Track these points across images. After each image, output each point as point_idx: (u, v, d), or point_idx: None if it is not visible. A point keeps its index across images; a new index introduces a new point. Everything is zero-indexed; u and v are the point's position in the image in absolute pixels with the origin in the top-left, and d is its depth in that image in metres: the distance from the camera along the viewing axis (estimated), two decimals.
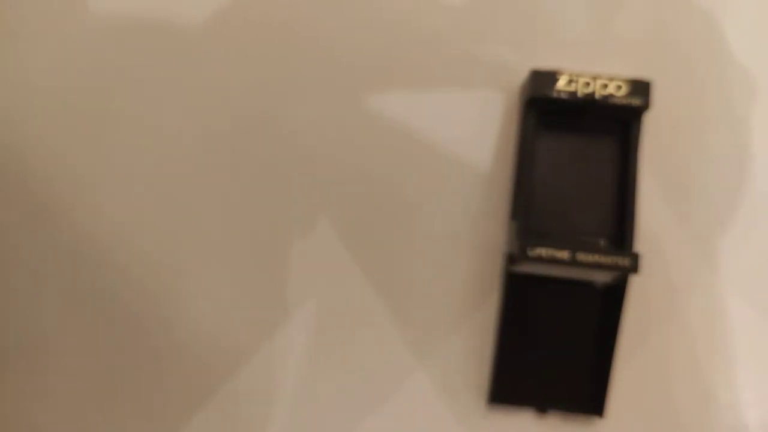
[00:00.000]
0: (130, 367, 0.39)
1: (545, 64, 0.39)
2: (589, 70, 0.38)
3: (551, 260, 0.34)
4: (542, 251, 0.34)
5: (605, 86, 0.35)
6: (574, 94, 0.35)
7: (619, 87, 0.35)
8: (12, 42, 0.41)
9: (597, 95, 0.35)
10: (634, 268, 0.34)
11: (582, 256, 0.34)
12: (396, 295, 0.39)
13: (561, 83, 0.36)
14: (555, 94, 0.36)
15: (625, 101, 0.35)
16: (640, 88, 0.36)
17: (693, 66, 0.40)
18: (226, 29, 0.41)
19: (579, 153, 0.37)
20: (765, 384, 0.38)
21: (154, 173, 0.40)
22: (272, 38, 0.41)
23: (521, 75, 0.39)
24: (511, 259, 0.37)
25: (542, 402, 0.38)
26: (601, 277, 0.37)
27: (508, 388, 0.38)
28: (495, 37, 0.40)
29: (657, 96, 0.37)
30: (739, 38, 0.40)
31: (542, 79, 0.36)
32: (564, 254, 0.34)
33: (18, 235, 0.40)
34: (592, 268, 0.35)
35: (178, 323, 0.39)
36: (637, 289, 0.38)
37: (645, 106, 0.36)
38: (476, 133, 0.40)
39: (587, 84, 0.35)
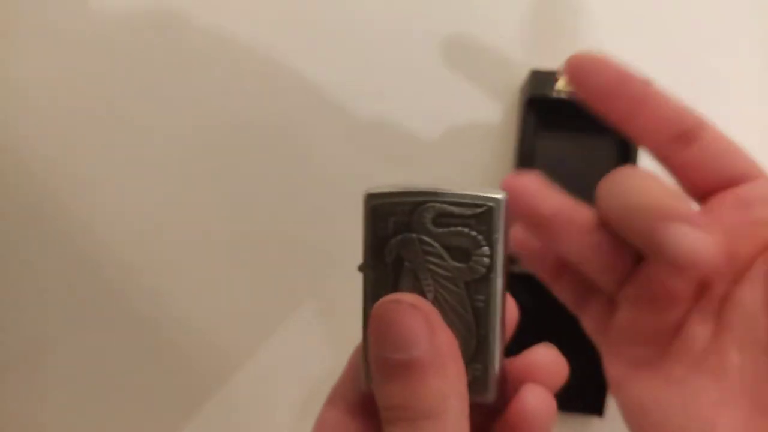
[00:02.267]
0: (130, 367, 0.39)
1: (545, 64, 0.39)
2: None
3: None
4: None
5: None
6: (573, 93, 0.35)
7: None
8: (11, 41, 0.41)
9: None
10: None
11: None
12: None
13: (561, 83, 0.36)
14: (555, 94, 0.36)
15: None
16: None
17: (692, 66, 0.40)
18: (227, 28, 0.41)
19: (578, 152, 0.37)
20: None
21: (154, 174, 0.40)
22: (272, 38, 0.41)
23: (521, 75, 0.39)
24: (511, 259, 0.37)
25: None
26: None
27: None
28: (495, 37, 0.40)
29: None
30: (738, 38, 0.40)
31: (542, 79, 0.36)
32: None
33: (18, 236, 0.40)
34: None
35: (178, 323, 0.39)
36: None
37: None
38: (476, 132, 0.40)
39: None
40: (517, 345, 0.39)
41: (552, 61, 0.40)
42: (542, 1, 0.41)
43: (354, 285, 0.39)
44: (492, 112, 0.40)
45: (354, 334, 0.39)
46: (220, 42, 0.41)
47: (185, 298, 0.39)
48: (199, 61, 0.41)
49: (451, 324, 0.20)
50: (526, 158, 0.37)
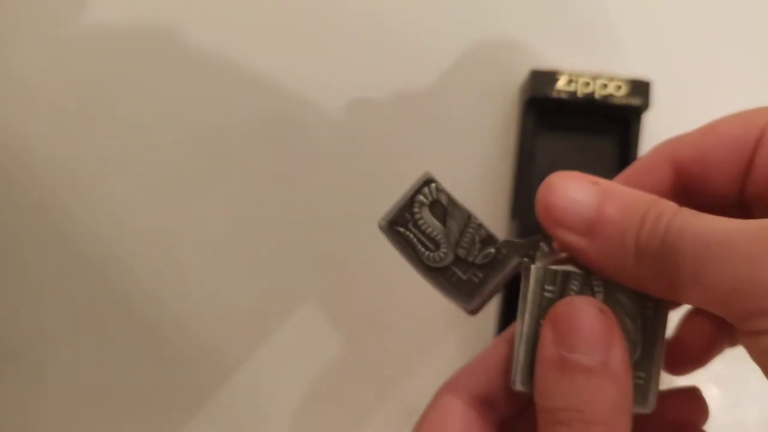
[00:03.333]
0: (131, 367, 0.39)
1: (545, 64, 0.39)
2: (589, 70, 0.38)
3: None
4: None
5: (605, 86, 0.35)
6: (573, 94, 0.36)
7: (619, 87, 0.36)
8: (11, 44, 0.41)
9: (596, 95, 0.35)
10: None
11: None
12: (396, 294, 0.39)
13: (561, 83, 0.36)
14: (555, 94, 0.36)
15: (624, 101, 0.36)
16: (640, 88, 0.36)
17: (693, 66, 0.40)
18: (223, 31, 0.41)
19: (579, 153, 0.37)
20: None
21: (154, 174, 0.40)
22: (269, 38, 0.41)
23: (521, 75, 0.39)
24: None
25: None
26: None
27: None
28: (495, 37, 0.40)
29: (657, 96, 0.37)
30: (738, 38, 0.40)
31: (542, 79, 0.36)
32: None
33: (18, 236, 0.40)
34: None
35: (178, 323, 0.39)
36: None
37: (645, 106, 0.36)
38: (476, 132, 0.40)
39: (587, 84, 0.36)
40: None
41: (552, 61, 0.40)
42: (542, 1, 0.41)
43: (354, 284, 0.40)
44: (492, 112, 0.40)
45: (354, 333, 0.39)
46: (222, 40, 0.41)
47: (185, 298, 0.39)
48: (200, 61, 0.41)
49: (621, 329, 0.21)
50: (526, 158, 0.37)
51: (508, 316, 0.38)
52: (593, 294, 0.21)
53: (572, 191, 0.20)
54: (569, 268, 0.21)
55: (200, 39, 0.41)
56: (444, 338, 0.39)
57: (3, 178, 0.40)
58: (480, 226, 0.23)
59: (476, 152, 0.40)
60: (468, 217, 0.23)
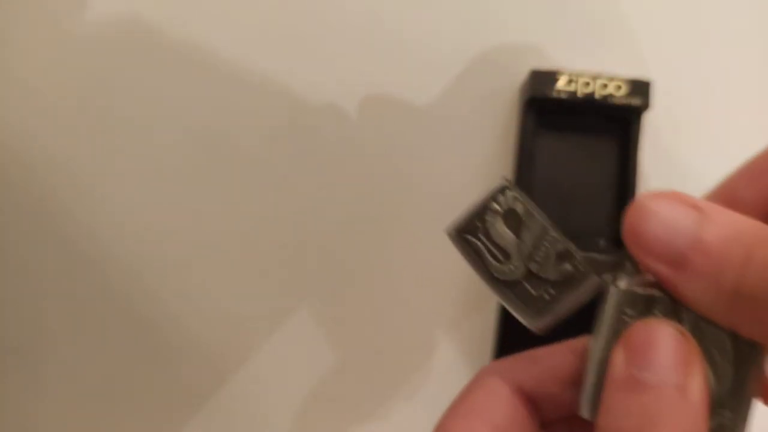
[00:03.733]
0: (131, 367, 0.39)
1: (545, 64, 0.39)
2: (589, 70, 0.38)
3: None
4: None
5: (605, 86, 0.35)
6: (573, 93, 0.35)
7: (619, 87, 0.35)
8: (11, 44, 0.41)
9: (597, 95, 0.35)
10: None
11: None
12: (396, 294, 0.39)
13: (561, 83, 0.36)
14: (555, 94, 0.36)
15: (624, 101, 0.35)
16: (640, 88, 0.36)
17: (693, 66, 0.40)
18: (224, 31, 0.41)
19: (579, 153, 0.37)
20: None
21: (155, 174, 0.40)
22: (270, 40, 0.41)
23: (521, 75, 0.39)
24: None
25: None
26: None
27: None
28: (495, 37, 0.40)
29: (657, 96, 0.37)
30: (738, 38, 0.40)
31: (542, 79, 0.36)
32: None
33: (18, 236, 0.40)
34: None
35: (178, 323, 0.39)
36: None
37: (645, 106, 0.36)
38: (475, 132, 0.40)
39: (587, 84, 0.36)
40: (517, 346, 0.39)
41: (552, 61, 0.40)
42: (543, 1, 0.41)
43: (354, 284, 0.40)
44: (492, 113, 0.40)
45: (354, 334, 0.39)
46: (223, 40, 0.41)
47: (186, 299, 0.39)
48: (200, 61, 0.41)
49: (705, 359, 0.19)
50: (525, 158, 0.37)
51: (507, 318, 0.38)
52: (680, 324, 0.19)
53: (669, 217, 0.18)
54: (655, 292, 0.19)
55: (200, 39, 0.40)
56: (444, 339, 0.39)
57: (3, 178, 0.40)
58: (556, 239, 0.21)
59: (476, 152, 0.40)
60: (544, 229, 0.22)
